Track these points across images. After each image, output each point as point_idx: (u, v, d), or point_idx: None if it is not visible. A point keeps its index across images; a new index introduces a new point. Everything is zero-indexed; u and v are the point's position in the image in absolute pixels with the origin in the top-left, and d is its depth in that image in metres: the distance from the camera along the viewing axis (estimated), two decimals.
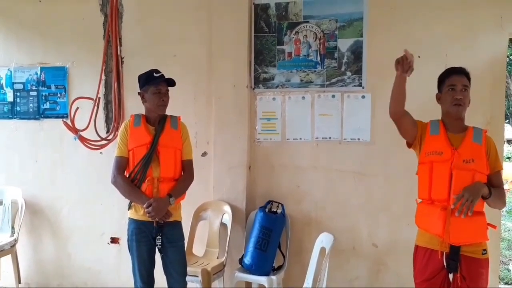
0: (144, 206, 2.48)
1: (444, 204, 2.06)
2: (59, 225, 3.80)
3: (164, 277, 2.65)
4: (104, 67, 3.57)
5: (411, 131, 2.20)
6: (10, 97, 3.88)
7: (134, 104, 3.26)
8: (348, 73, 3.22)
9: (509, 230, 6.05)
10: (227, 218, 3.29)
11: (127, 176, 2.58)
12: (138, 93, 2.66)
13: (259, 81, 3.39)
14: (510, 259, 5.11)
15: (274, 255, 3.14)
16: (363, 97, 3.19)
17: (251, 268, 3.07)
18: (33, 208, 3.81)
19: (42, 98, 3.81)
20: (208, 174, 3.41)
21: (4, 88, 3.88)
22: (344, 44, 3.22)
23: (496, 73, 2.99)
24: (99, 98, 3.55)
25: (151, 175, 2.54)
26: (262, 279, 3.05)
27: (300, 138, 3.33)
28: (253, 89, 3.40)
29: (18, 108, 3.87)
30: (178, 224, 2.66)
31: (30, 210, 3.80)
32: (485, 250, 2.08)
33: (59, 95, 3.77)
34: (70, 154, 3.73)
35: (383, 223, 3.18)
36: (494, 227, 2.12)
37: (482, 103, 2.91)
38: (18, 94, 3.86)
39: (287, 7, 3.32)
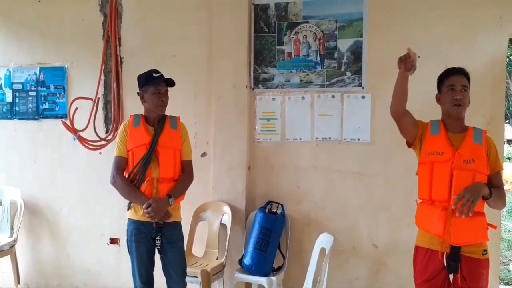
0: (144, 206, 2.47)
1: (445, 205, 2.05)
2: (58, 225, 3.79)
3: (164, 278, 2.64)
4: (103, 67, 3.57)
5: (412, 131, 2.19)
6: (9, 97, 3.87)
7: (133, 104, 3.26)
8: (348, 73, 3.21)
9: (509, 231, 6.05)
10: (227, 219, 3.29)
11: (127, 176, 2.58)
12: (138, 93, 2.66)
13: (259, 81, 3.39)
14: (510, 260, 5.11)
15: (274, 255, 3.13)
16: (363, 97, 3.19)
17: (251, 268, 3.06)
18: (32, 209, 3.81)
19: (41, 98, 3.80)
20: (208, 174, 3.41)
21: (3, 88, 3.88)
22: (344, 44, 3.21)
23: (496, 74, 2.98)
24: (98, 98, 3.55)
25: (151, 175, 2.53)
26: (262, 280, 3.04)
27: (300, 139, 3.33)
28: (253, 89, 3.40)
29: (17, 109, 3.86)
30: (177, 225, 2.65)
31: (29, 211, 3.80)
32: (485, 250, 2.08)
33: (58, 95, 3.77)
34: (69, 155, 3.72)
35: (383, 223, 3.17)
36: (494, 227, 2.11)
37: (482, 103, 2.91)
38: (17, 94, 3.85)
39: (287, 7, 3.31)
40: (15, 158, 3.85)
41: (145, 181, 2.52)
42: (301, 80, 3.31)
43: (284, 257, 3.23)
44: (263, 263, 3.06)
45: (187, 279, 2.73)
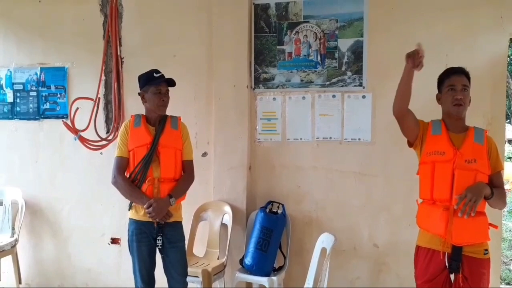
0: (145, 206, 2.48)
1: (446, 204, 2.05)
2: (59, 225, 3.80)
3: (165, 277, 2.65)
4: (104, 68, 3.57)
5: (413, 130, 2.19)
6: (10, 98, 3.87)
7: (134, 104, 3.26)
8: (349, 73, 3.21)
9: (510, 231, 6.04)
10: (228, 219, 3.29)
11: (128, 176, 2.58)
12: (138, 93, 2.66)
13: (259, 81, 3.39)
14: (511, 259, 5.10)
15: (275, 255, 3.13)
16: (363, 97, 3.19)
17: (251, 268, 3.07)
18: (34, 209, 3.81)
19: (42, 98, 3.81)
20: (209, 174, 3.41)
21: (4, 88, 3.88)
22: (344, 44, 3.21)
23: (497, 73, 2.98)
24: (99, 98, 3.55)
25: (152, 175, 2.53)
26: (263, 280, 3.04)
27: (301, 138, 3.33)
28: (253, 89, 3.40)
29: (18, 109, 3.86)
30: (178, 225, 2.66)
31: (30, 211, 3.80)
32: (486, 250, 2.08)
33: (59, 95, 3.77)
34: (70, 155, 3.73)
35: (384, 223, 3.17)
36: (495, 227, 2.12)
37: (483, 103, 2.91)
38: (18, 94, 3.86)
39: (287, 7, 3.31)
40: (16, 158, 3.86)
41: (146, 181, 2.52)
42: (301, 80, 3.31)
43: (285, 257, 3.23)
44: (264, 263, 3.06)
45: (188, 279, 2.73)
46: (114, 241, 3.67)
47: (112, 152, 2.73)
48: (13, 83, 3.85)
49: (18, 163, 3.85)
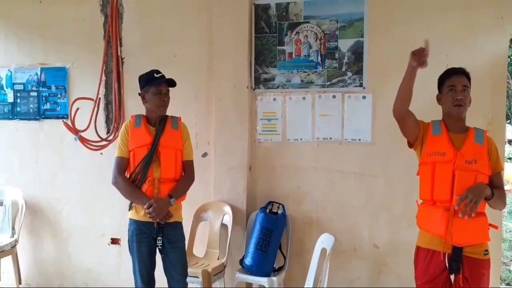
0: (145, 206, 2.48)
1: (447, 205, 2.05)
2: (59, 225, 3.80)
3: (165, 278, 2.65)
4: (104, 68, 3.57)
5: (414, 131, 2.19)
6: (10, 98, 3.88)
7: (134, 104, 3.26)
8: (349, 74, 3.21)
9: (510, 231, 6.04)
10: (228, 219, 3.29)
11: (128, 176, 2.58)
12: (139, 93, 2.66)
13: (260, 81, 3.39)
14: (511, 260, 5.10)
15: (275, 256, 3.13)
16: (364, 97, 3.19)
17: (251, 269, 3.07)
18: (34, 209, 3.81)
19: (43, 98, 3.81)
20: (209, 174, 3.41)
21: (5, 88, 3.88)
22: (344, 45, 3.21)
23: (497, 74, 2.98)
24: (100, 98, 3.55)
25: (152, 175, 2.53)
26: (263, 280, 3.04)
27: (301, 139, 3.33)
28: (254, 89, 3.40)
29: (18, 109, 3.86)
30: (178, 225, 2.66)
31: (31, 211, 3.80)
32: (486, 250, 2.08)
33: (59, 95, 3.77)
34: (70, 155, 3.73)
35: (384, 223, 3.17)
36: (495, 227, 2.12)
37: (483, 103, 2.91)
38: (18, 94, 3.86)
39: (288, 8, 3.31)
40: (17, 158, 3.86)
41: (147, 182, 2.52)
42: (302, 80, 3.31)
43: (285, 258, 3.23)
44: (264, 264, 3.06)
45: (188, 279, 2.73)
46: (114, 241, 3.67)
47: (112, 152, 2.73)
48: (14, 83, 3.86)
49: (18, 163, 3.85)
